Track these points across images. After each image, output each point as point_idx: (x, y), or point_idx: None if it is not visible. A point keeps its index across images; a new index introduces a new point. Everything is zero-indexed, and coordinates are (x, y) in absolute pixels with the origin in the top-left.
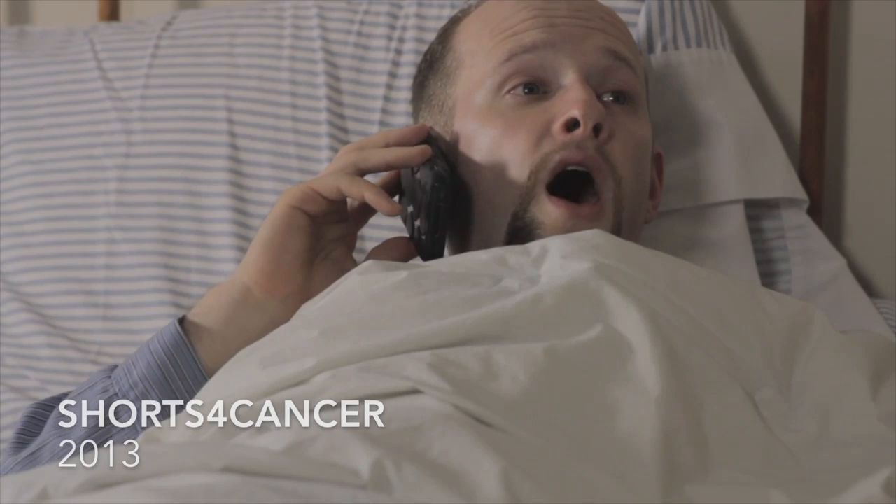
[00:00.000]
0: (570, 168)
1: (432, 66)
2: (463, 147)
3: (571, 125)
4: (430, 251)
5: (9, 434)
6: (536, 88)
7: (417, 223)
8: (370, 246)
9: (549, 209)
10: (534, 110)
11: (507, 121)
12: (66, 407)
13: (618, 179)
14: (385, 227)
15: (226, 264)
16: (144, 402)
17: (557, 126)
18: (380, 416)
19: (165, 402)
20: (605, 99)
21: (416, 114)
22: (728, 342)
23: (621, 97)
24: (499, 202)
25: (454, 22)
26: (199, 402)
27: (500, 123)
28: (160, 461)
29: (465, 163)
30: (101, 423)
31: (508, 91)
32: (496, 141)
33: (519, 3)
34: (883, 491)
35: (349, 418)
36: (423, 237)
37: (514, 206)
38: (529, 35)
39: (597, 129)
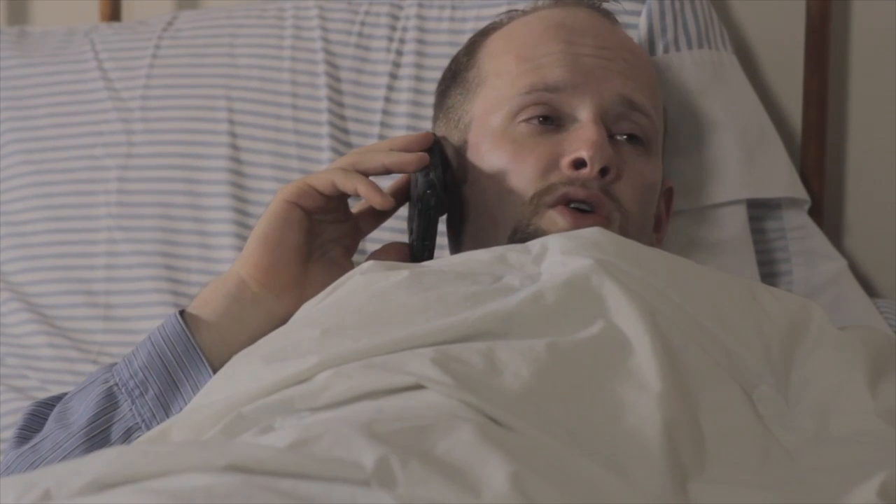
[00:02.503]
0: (572, 205)
1: (455, 77)
2: (473, 163)
3: (579, 164)
4: (419, 257)
5: (10, 434)
6: (551, 120)
7: (413, 228)
8: (371, 247)
9: (553, 217)
10: (545, 141)
11: (517, 147)
12: (67, 401)
13: (624, 212)
14: (381, 236)
15: (226, 265)
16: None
17: (565, 162)
18: (384, 413)
19: (163, 390)
20: (618, 138)
21: (434, 120)
22: (726, 340)
23: (634, 139)
24: (501, 218)
25: (483, 35)
26: (204, 401)
27: (511, 149)
28: (163, 461)
29: (473, 178)
30: (101, 413)
31: (524, 120)
32: (505, 164)
33: (547, 31)
34: (878, 496)
35: (354, 415)
36: (414, 242)
37: (515, 221)
38: (553, 72)
39: (603, 171)
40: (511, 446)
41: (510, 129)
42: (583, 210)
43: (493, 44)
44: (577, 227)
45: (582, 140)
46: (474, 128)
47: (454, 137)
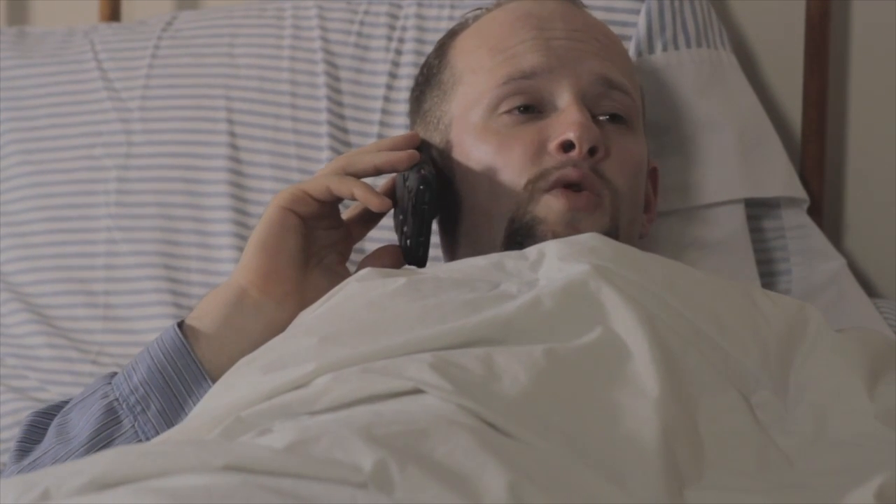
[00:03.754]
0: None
1: (429, 80)
2: (458, 161)
3: (567, 146)
4: (415, 255)
5: (9, 434)
6: (532, 109)
7: (405, 228)
8: (369, 249)
9: (549, 202)
10: (529, 129)
11: (501, 138)
12: (66, 413)
13: (613, 190)
14: (379, 236)
15: (226, 264)
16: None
17: (553, 146)
18: (383, 416)
19: (165, 406)
20: (601, 118)
21: (411, 126)
22: (724, 345)
23: (616, 117)
24: (495, 211)
25: (451, 36)
26: (202, 409)
27: (496, 140)
28: (162, 461)
29: (460, 176)
30: (102, 429)
31: (505, 111)
32: (491, 156)
33: (517, 21)
34: (875, 499)
35: (352, 419)
36: (409, 241)
37: (510, 212)
38: (528, 59)
39: (592, 151)
40: (509, 454)
41: (492, 122)
42: (575, 189)
43: (463, 42)
44: (571, 207)
45: (567, 123)
46: (455, 126)
47: (435, 139)
